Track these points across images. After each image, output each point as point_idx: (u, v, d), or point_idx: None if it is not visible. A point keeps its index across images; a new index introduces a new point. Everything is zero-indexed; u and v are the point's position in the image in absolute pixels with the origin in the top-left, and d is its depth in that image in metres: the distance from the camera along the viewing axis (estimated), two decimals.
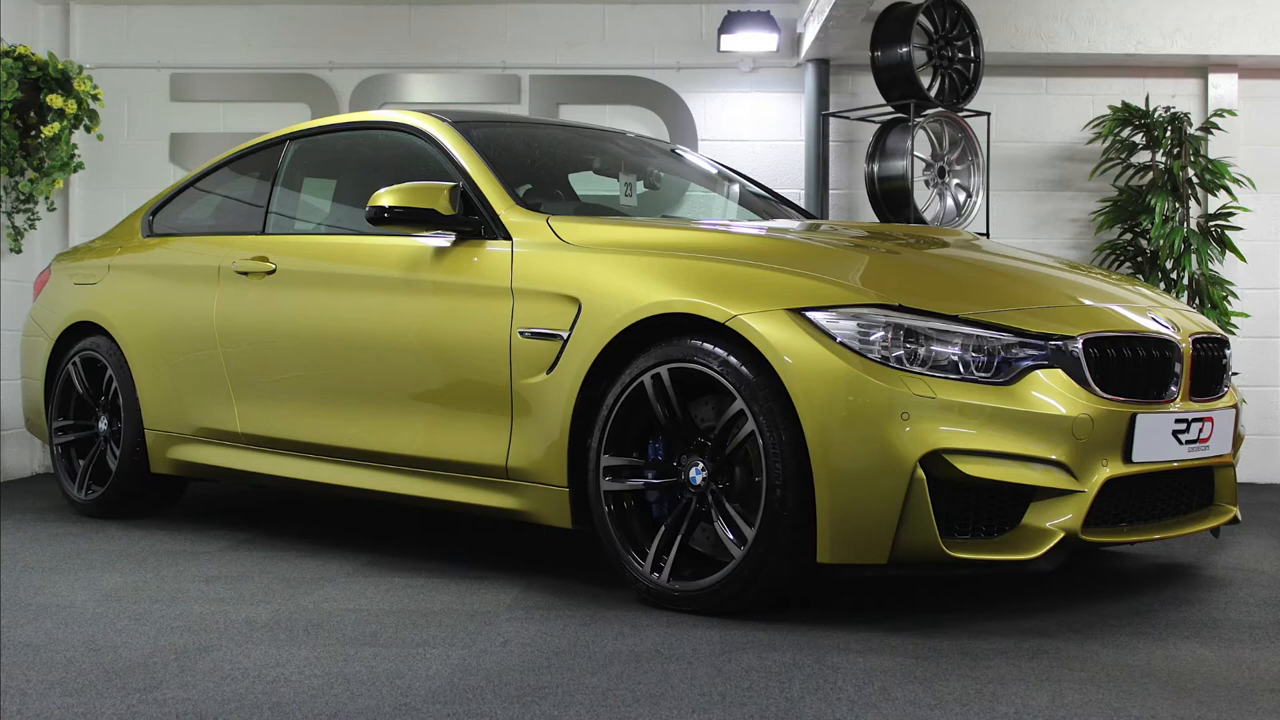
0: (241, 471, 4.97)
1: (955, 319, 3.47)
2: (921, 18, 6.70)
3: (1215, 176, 7.02)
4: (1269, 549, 4.95)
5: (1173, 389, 3.73)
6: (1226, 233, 7.07)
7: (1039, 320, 3.56)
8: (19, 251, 7.08)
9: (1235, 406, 4.02)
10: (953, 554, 3.36)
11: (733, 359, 3.52)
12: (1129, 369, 3.63)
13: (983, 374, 3.42)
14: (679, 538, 3.66)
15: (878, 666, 3.08)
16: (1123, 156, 7.20)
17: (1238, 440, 4.07)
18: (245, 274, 4.94)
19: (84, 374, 5.65)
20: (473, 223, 4.22)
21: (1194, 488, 3.95)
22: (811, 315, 3.45)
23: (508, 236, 4.15)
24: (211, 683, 2.94)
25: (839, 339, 3.40)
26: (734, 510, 3.58)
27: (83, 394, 5.66)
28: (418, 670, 3.04)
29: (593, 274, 3.88)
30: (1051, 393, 3.45)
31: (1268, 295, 7.53)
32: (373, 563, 4.46)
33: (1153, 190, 7.01)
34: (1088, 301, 3.79)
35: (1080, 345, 3.53)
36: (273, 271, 4.84)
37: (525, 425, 3.96)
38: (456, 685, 2.91)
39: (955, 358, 3.42)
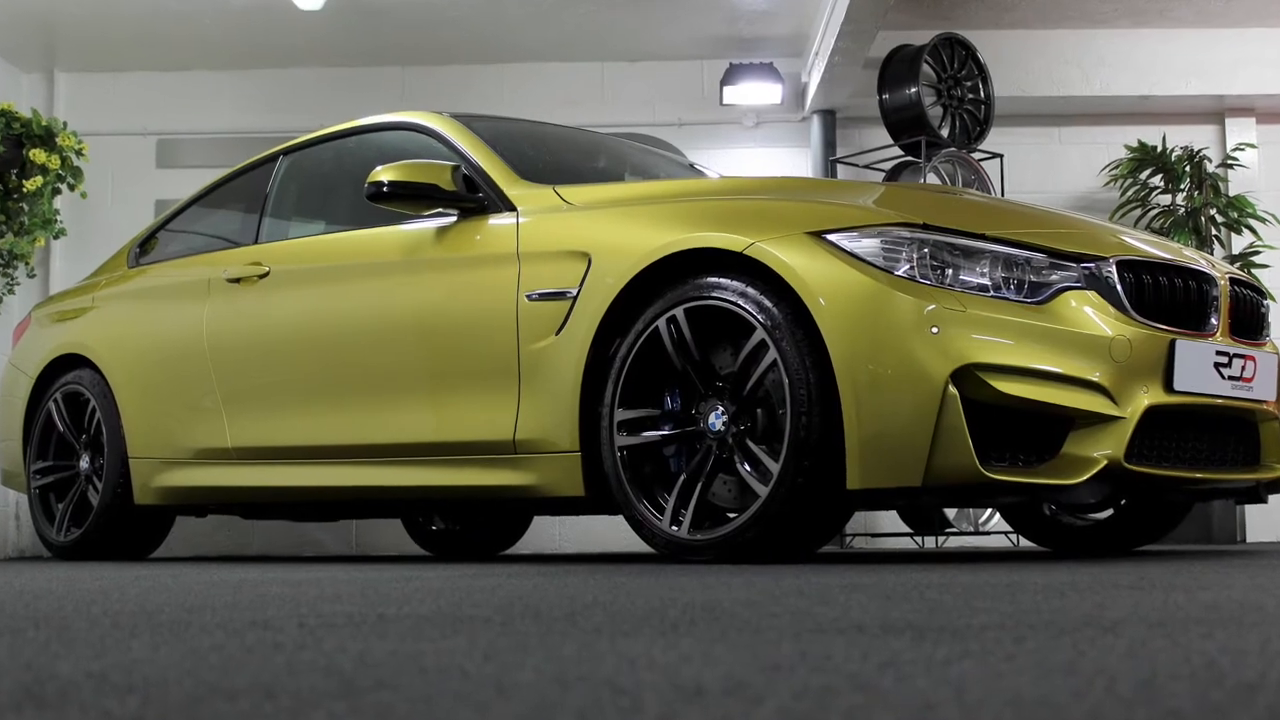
0: (234, 488, 4.63)
1: (983, 237, 3.28)
2: (928, 58, 6.54)
3: (1238, 213, 6.80)
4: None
5: (1212, 321, 3.55)
6: (1253, 271, 6.82)
7: (1070, 243, 3.39)
8: None
9: (1278, 355, 3.80)
10: (991, 476, 3.10)
11: (751, 289, 3.34)
12: (1165, 296, 3.45)
13: (1014, 293, 3.22)
14: (699, 487, 3.42)
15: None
16: (1141, 197, 6.99)
17: None
18: (237, 280, 4.67)
19: (65, 411, 5.29)
20: (476, 200, 4.03)
21: (1238, 437, 3.71)
22: (832, 236, 3.27)
23: (512, 209, 3.98)
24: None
25: (862, 256, 3.21)
26: (758, 450, 3.35)
27: (64, 432, 5.29)
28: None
29: (602, 227, 3.74)
30: (1087, 313, 3.26)
31: None
32: (372, 562, 4.35)
33: (1174, 231, 6.79)
34: (1119, 238, 3.61)
35: (1114, 268, 3.35)
36: (266, 274, 4.58)
37: (533, 392, 3.74)
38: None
39: (984, 275, 3.22)
